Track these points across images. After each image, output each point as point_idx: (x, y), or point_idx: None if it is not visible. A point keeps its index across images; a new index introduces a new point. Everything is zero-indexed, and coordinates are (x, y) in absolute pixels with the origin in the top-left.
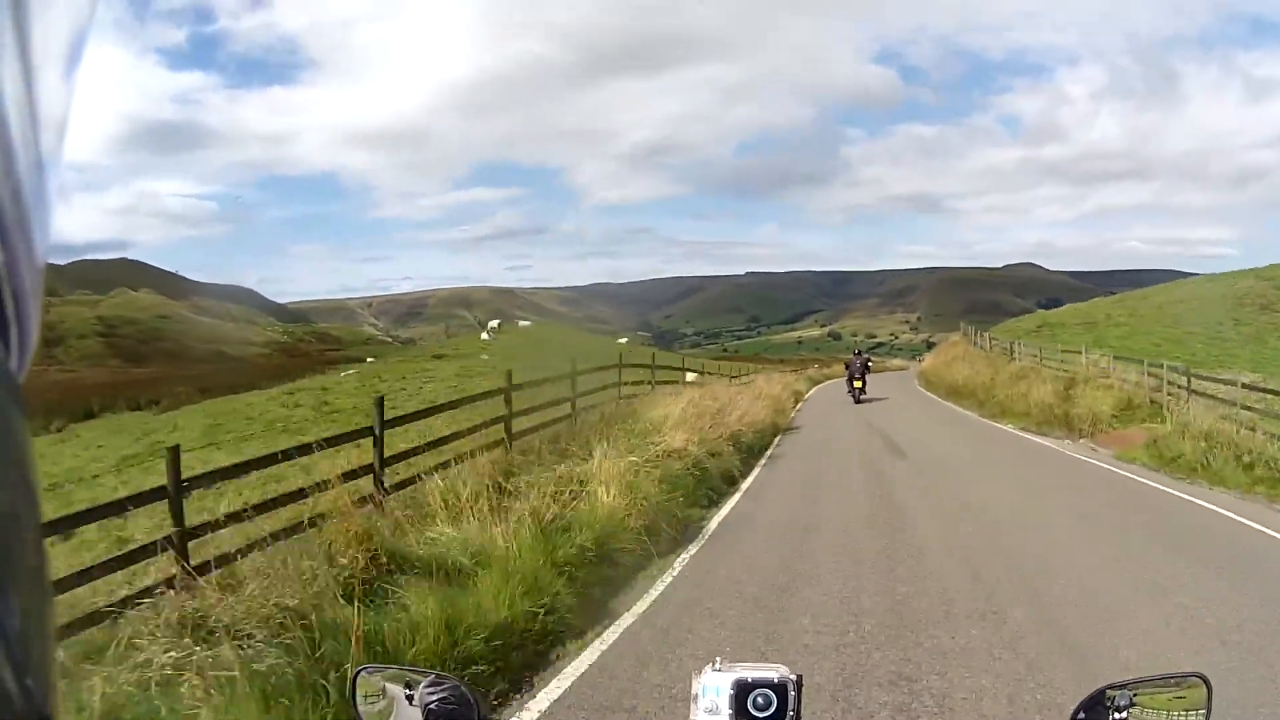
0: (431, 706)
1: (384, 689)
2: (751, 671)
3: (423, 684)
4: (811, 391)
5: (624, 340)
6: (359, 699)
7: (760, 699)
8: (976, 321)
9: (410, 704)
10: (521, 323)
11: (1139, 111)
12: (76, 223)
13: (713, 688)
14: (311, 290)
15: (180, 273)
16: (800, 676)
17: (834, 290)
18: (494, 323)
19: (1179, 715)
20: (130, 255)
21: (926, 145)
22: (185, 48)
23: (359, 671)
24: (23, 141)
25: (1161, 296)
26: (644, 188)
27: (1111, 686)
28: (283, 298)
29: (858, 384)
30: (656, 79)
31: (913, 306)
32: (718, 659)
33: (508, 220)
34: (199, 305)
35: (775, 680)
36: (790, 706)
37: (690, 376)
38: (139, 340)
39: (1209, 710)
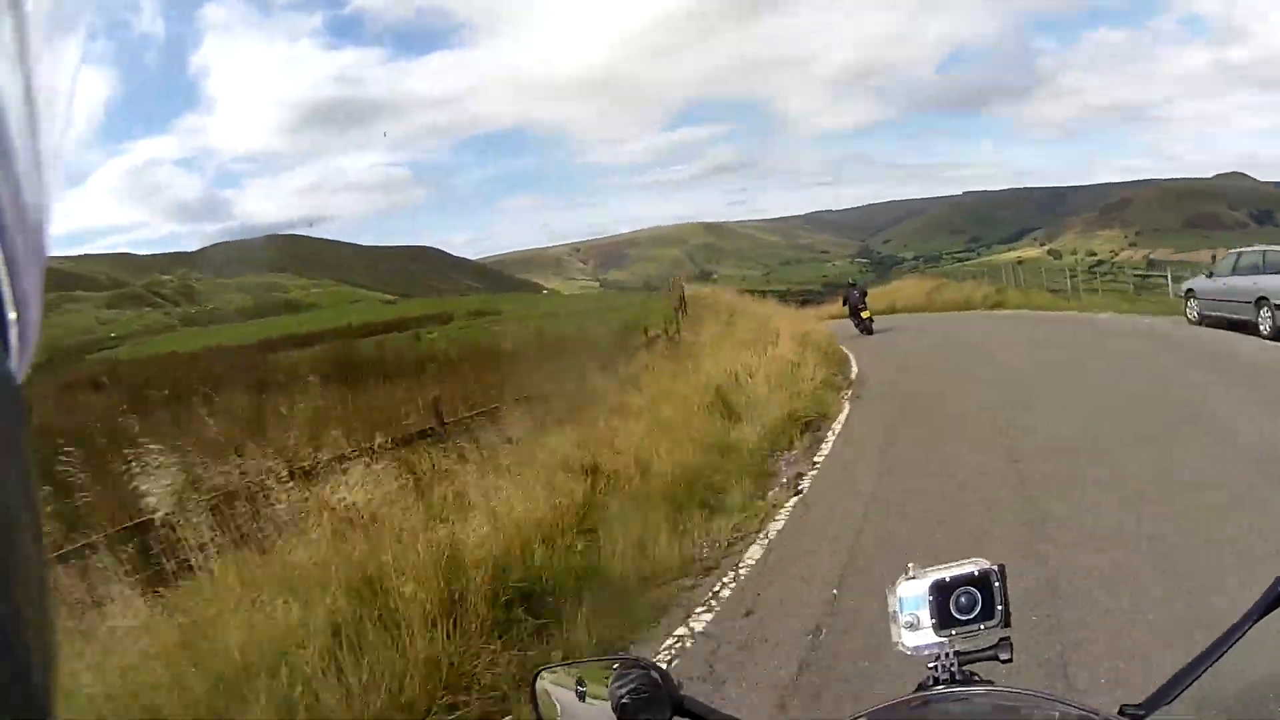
0: (624, 698)
1: (565, 686)
2: (948, 571)
3: (612, 675)
4: None
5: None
6: (539, 699)
7: (963, 599)
8: (1194, 235)
9: (584, 699)
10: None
11: None
12: (265, 207)
13: (910, 599)
14: (522, 243)
15: (360, 241)
16: (1002, 566)
17: (1052, 206)
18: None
19: None
20: (325, 230)
21: (1117, 51)
22: (323, 30)
23: (538, 672)
24: (23, 141)
25: None
26: (853, 113)
27: None
28: (488, 254)
29: (865, 314)
30: None
31: (1129, 221)
32: (910, 566)
33: (720, 156)
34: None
35: (975, 574)
36: (996, 600)
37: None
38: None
39: None
